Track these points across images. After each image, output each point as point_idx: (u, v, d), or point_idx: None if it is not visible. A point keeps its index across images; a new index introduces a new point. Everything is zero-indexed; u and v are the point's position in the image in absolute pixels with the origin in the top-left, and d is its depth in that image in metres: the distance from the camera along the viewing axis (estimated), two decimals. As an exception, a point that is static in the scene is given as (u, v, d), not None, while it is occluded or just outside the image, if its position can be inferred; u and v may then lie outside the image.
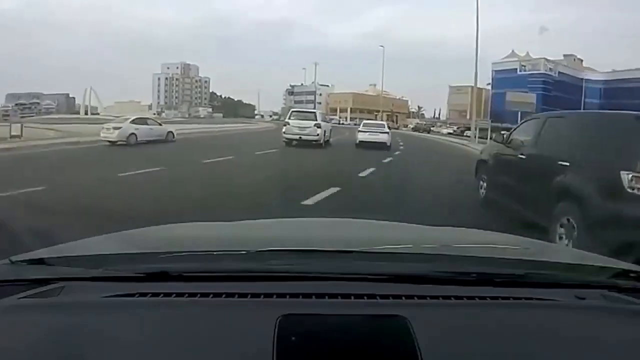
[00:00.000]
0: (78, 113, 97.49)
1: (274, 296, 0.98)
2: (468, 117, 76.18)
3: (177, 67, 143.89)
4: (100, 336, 0.88)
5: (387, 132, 23.06)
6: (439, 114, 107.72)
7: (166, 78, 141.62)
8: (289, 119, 21.02)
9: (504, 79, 69.66)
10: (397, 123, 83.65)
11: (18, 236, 3.25)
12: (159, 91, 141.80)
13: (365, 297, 0.99)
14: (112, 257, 1.19)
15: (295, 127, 20.25)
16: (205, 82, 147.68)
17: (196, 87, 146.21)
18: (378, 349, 0.86)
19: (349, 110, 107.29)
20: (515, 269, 1.14)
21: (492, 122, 56.00)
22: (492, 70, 75.74)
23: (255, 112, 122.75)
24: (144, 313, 0.94)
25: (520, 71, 72.26)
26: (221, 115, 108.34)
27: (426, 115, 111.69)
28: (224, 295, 0.98)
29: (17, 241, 3.01)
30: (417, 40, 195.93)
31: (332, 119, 70.64)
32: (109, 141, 19.43)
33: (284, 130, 20.81)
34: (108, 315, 0.94)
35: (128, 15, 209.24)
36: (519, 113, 26.23)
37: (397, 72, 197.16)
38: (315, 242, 1.42)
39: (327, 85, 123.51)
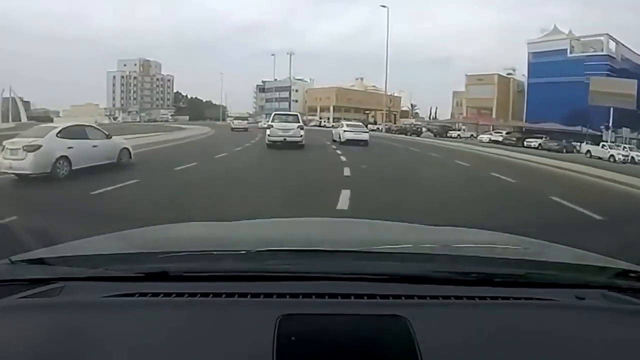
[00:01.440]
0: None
1: (274, 296, 0.98)
2: (494, 115, 59.90)
3: (135, 64, 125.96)
4: (100, 336, 0.88)
5: (367, 132, 26.10)
6: (435, 114, 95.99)
7: (122, 77, 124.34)
8: (273, 121, 22.00)
9: (547, 64, 51.73)
10: (379, 123, 70.81)
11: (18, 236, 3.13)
12: (114, 92, 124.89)
13: (365, 297, 0.99)
14: (112, 257, 1.19)
15: (280, 129, 21.24)
16: (169, 80, 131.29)
17: (158, 86, 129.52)
18: (378, 348, 0.86)
19: (331, 108, 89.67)
20: (515, 269, 1.15)
21: (528, 122, 45.05)
22: (529, 53, 56.18)
23: (229, 113, 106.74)
24: (144, 313, 0.94)
25: (570, 53, 52.13)
26: (187, 117, 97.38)
27: (420, 115, 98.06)
28: (224, 295, 0.98)
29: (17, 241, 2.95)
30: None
31: (310, 120, 60.94)
32: (16, 174, 10.02)
33: (268, 133, 21.61)
34: (108, 315, 0.94)
35: (85, 13, 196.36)
36: (610, 111, 18.72)
37: (388, 68, 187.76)
38: (315, 242, 1.42)
39: (305, 80, 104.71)
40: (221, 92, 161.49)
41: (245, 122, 42.44)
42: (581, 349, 0.90)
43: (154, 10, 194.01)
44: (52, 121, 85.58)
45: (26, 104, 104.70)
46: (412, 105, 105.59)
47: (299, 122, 21.96)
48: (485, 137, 44.93)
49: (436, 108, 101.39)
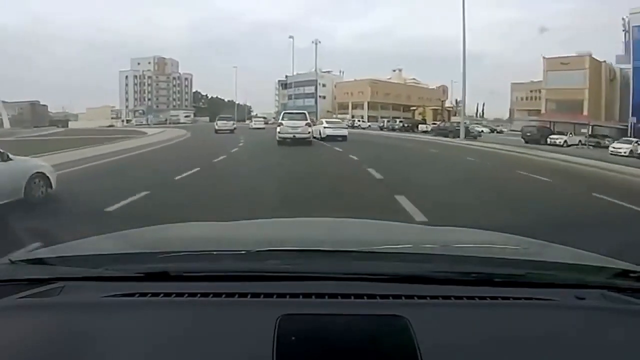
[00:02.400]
0: (38, 126, 75.38)
1: (274, 296, 0.98)
2: (585, 111, 43.78)
3: (149, 63, 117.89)
4: (100, 336, 0.88)
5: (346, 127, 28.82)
6: (483, 110, 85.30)
7: (135, 76, 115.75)
8: (282, 120, 23.35)
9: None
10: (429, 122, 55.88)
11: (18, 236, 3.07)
12: (127, 92, 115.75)
13: (365, 297, 0.99)
14: (112, 257, 1.19)
15: (289, 127, 22.49)
16: (187, 79, 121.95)
17: (175, 85, 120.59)
18: (378, 349, 0.86)
19: (365, 105, 77.33)
20: (515, 269, 1.14)
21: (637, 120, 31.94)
22: (629, 27, 39.04)
23: (253, 113, 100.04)
24: (144, 313, 0.95)
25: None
26: (207, 119, 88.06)
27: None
28: (224, 295, 0.98)
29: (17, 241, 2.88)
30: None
31: (340, 120, 46.82)
32: None
33: (278, 130, 22.74)
34: (108, 315, 0.94)
35: (103, 14, 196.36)
36: None
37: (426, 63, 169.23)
38: (315, 242, 1.42)
39: (334, 73, 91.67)
40: (235, 89, 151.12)
41: (231, 123, 38.55)
42: (581, 349, 0.90)
43: (173, 10, 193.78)
44: (67, 126, 77.11)
45: (43, 107, 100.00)
46: (456, 101, 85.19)
47: (306, 120, 23.35)
48: (623, 149, 28.95)
49: (483, 104, 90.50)
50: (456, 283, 1.06)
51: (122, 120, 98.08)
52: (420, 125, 47.12)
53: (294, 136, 22.14)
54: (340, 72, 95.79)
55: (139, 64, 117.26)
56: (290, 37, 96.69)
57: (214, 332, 0.89)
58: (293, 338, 0.86)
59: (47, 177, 7.83)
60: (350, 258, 1.15)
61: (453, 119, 58.50)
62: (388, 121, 59.46)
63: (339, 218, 2.18)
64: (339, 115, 69.96)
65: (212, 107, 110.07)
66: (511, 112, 62.89)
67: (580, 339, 0.93)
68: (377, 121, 61.03)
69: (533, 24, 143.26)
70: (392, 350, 0.86)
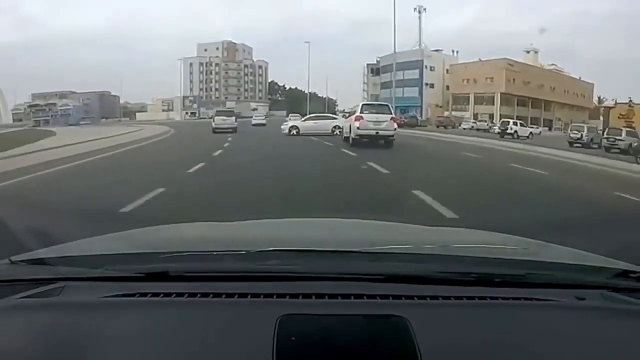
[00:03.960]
0: (106, 117, 77.50)
1: (274, 296, 0.98)
2: None
3: (217, 48, 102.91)
4: (100, 336, 0.88)
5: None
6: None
7: (201, 63, 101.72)
8: (362, 112, 18.50)
9: None
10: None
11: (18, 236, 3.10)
12: (191, 82, 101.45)
13: (365, 297, 0.99)
14: (112, 257, 1.19)
15: (370, 121, 18.01)
16: (261, 67, 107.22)
17: (246, 74, 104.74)
18: (378, 349, 0.86)
19: (497, 98, 50.35)
20: (515, 269, 1.15)
21: None
22: None
23: (338, 108, 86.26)
24: (144, 313, 0.95)
25: None
26: (284, 112, 75.18)
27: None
28: (224, 295, 0.99)
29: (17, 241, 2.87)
30: None
31: (459, 119, 39.49)
32: None
33: (357, 125, 18.13)
34: (108, 315, 0.94)
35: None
36: None
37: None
38: (315, 242, 1.42)
39: (446, 52, 62.54)
40: (308, 82, 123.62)
41: (232, 119, 31.77)
42: (580, 349, 0.91)
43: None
44: (135, 117, 73.80)
45: (114, 98, 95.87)
46: (599, 98, 63.03)
47: (391, 113, 19.28)
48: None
49: (629, 99, 59.71)
50: (456, 283, 1.06)
51: (187, 113, 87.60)
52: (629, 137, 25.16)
53: (377, 133, 17.96)
54: (453, 51, 65.08)
55: (205, 50, 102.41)
56: (419, 8, 64.35)
57: (214, 332, 0.89)
58: (293, 338, 0.86)
59: None
60: (350, 258, 1.15)
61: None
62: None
63: (339, 218, 2.17)
64: (455, 113, 49.80)
65: (291, 100, 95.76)
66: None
67: (580, 339, 0.93)
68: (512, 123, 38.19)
69: None
70: (392, 350, 0.86)
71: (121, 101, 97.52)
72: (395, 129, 18.48)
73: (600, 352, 0.89)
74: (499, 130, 36.03)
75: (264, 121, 45.61)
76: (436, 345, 0.86)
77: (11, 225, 4.10)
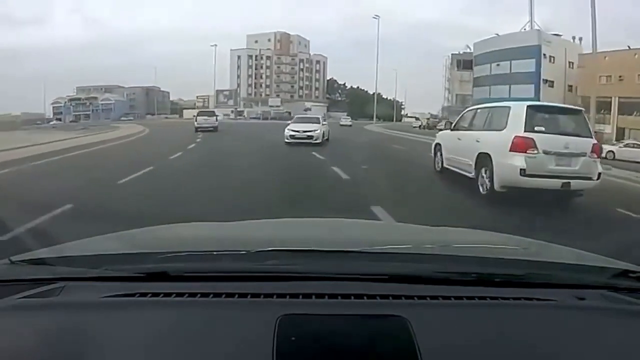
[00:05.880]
0: (152, 114, 71.70)
1: (274, 296, 0.98)
2: None
3: (269, 40, 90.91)
4: (100, 336, 0.89)
5: None
6: None
7: (249, 56, 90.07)
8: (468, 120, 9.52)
9: None
10: None
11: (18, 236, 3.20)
12: (239, 76, 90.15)
13: (365, 297, 0.99)
14: (112, 257, 1.20)
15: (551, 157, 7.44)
16: (318, 62, 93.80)
17: (302, 69, 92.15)
18: (378, 349, 0.87)
19: None
20: (515, 269, 1.15)
21: None
22: None
23: (404, 111, 77.39)
24: (144, 313, 0.95)
25: None
26: (344, 114, 64.68)
27: None
28: (224, 295, 0.99)
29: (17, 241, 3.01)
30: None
31: (602, 136, 23.10)
32: None
33: (521, 162, 7.58)
34: (108, 315, 0.94)
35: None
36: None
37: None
38: (315, 242, 1.41)
39: (567, 38, 44.41)
40: (376, 72, 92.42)
41: (214, 119, 31.42)
42: (581, 349, 0.91)
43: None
44: (182, 114, 70.38)
45: (162, 93, 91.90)
46: None
47: (591, 137, 7.90)
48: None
49: None
50: (456, 283, 1.06)
51: (232, 111, 78.47)
52: None
53: (563, 184, 7.26)
54: (574, 38, 44.49)
55: (256, 41, 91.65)
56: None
57: (213, 332, 0.89)
58: (293, 338, 0.86)
59: None
60: (351, 258, 1.15)
61: None
62: None
63: (339, 218, 2.15)
64: (597, 124, 26.95)
65: (353, 101, 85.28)
66: None
67: (580, 339, 0.93)
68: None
69: None
70: (392, 350, 0.86)
71: (173, 97, 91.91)
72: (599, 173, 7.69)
73: (600, 352, 0.89)
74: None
75: (350, 123, 48.55)
76: (436, 345, 0.86)
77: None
